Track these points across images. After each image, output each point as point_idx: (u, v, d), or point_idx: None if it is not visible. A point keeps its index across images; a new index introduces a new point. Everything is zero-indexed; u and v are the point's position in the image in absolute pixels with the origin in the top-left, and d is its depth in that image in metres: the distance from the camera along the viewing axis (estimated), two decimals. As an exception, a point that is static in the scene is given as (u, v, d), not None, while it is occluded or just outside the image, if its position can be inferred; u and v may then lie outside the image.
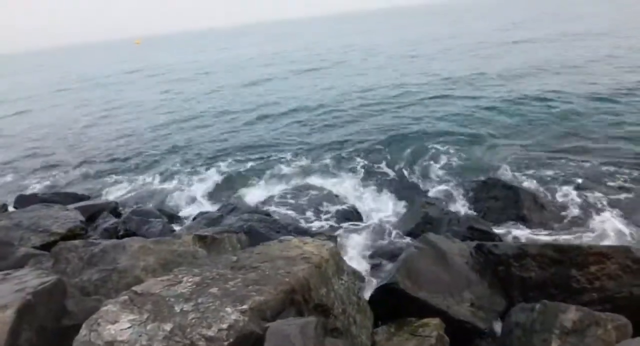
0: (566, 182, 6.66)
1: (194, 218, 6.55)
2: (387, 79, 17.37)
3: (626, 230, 5.29)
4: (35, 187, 9.78)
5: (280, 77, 22.05)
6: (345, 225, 6.22)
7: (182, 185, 8.79)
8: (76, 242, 3.92)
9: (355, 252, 5.44)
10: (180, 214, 7.30)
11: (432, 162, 8.29)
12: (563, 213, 5.89)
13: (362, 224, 6.26)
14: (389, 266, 4.85)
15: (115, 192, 8.92)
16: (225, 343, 2.09)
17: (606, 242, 5.02)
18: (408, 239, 5.48)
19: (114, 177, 9.88)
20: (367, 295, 3.64)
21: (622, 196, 6.14)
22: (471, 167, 7.89)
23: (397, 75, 18.21)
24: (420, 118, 11.47)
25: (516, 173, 7.24)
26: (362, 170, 8.31)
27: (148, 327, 2.18)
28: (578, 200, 6.11)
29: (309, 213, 6.68)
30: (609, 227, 5.37)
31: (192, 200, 8.04)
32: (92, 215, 6.42)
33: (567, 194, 6.33)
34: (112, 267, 3.45)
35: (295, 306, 2.56)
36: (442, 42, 28.84)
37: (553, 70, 15.02)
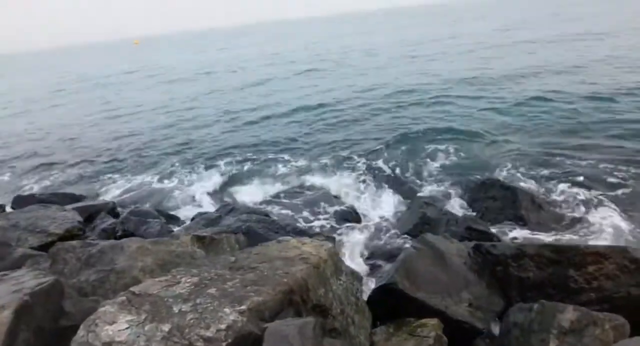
0: (565, 183, 6.65)
1: (193, 219, 6.54)
2: (387, 79, 17.37)
3: (625, 231, 5.29)
4: (33, 187, 9.76)
5: (280, 77, 22.04)
6: (343, 225, 6.22)
7: (181, 186, 8.78)
8: (74, 242, 3.91)
9: (353, 252, 5.44)
10: (179, 214, 7.28)
11: (430, 162, 8.30)
12: (561, 213, 5.89)
13: (361, 224, 6.25)
14: (387, 266, 4.85)
15: (113, 192, 8.90)
16: (224, 343, 2.08)
17: (604, 242, 5.02)
18: (406, 239, 5.48)
19: (112, 177, 9.86)
20: (365, 295, 3.64)
21: (621, 197, 6.15)
22: (470, 167, 7.90)
23: (397, 75, 18.21)
24: (419, 118, 11.47)
25: (515, 173, 7.25)
26: (361, 170, 8.31)
27: (146, 328, 2.17)
28: (576, 200, 6.11)
29: (308, 214, 6.68)
30: (607, 227, 5.37)
31: (191, 200, 8.02)
32: (90, 215, 6.40)
33: (565, 194, 6.33)
34: (109, 268, 3.45)
35: (293, 307, 2.56)
36: (442, 42, 28.85)
37: (553, 70, 15.02)
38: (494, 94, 12.76)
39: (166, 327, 2.17)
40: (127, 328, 2.17)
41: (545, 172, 7.17)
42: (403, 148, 9.17)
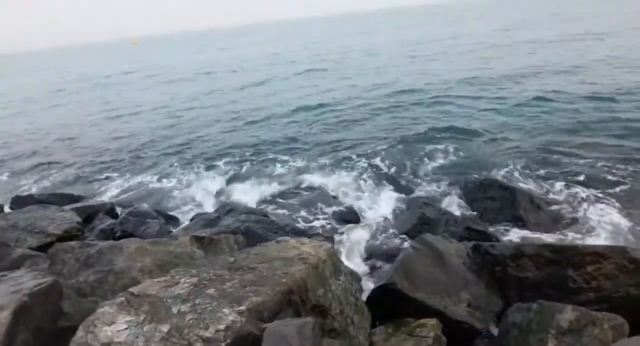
0: (564, 182, 6.67)
1: (191, 219, 6.54)
2: (387, 79, 17.39)
3: (623, 230, 5.30)
4: (32, 187, 9.76)
5: (280, 77, 22.05)
6: (342, 225, 6.23)
7: (180, 186, 8.77)
8: (72, 243, 3.91)
9: (352, 252, 5.45)
10: (178, 215, 7.29)
11: (430, 162, 8.30)
12: (560, 213, 5.89)
13: (360, 224, 6.26)
14: (386, 266, 4.86)
15: (112, 192, 8.89)
16: (223, 344, 2.08)
17: (603, 242, 5.02)
18: (405, 239, 5.49)
19: (111, 177, 9.86)
20: (364, 295, 3.65)
21: (620, 197, 6.15)
22: (469, 167, 7.90)
23: (397, 75, 18.23)
24: (419, 118, 11.48)
25: (514, 173, 7.25)
26: (361, 170, 8.30)
27: (145, 328, 2.17)
28: (575, 200, 6.12)
29: (307, 214, 6.68)
30: (606, 227, 5.38)
31: (190, 200, 8.01)
32: (88, 216, 6.40)
33: (564, 194, 6.34)
34: (108, 268, 3.44)
35: (292, 307, 2.56)
36: (442, 42, 28.87)
37: (553, 70, 15.04)
38: (493, 94, 12.77)
39: (165, 328, 2.17)
40: (126, 329, 2.17)
41: (545, 171, 7.17)
42: (402, 148, 9.17)
